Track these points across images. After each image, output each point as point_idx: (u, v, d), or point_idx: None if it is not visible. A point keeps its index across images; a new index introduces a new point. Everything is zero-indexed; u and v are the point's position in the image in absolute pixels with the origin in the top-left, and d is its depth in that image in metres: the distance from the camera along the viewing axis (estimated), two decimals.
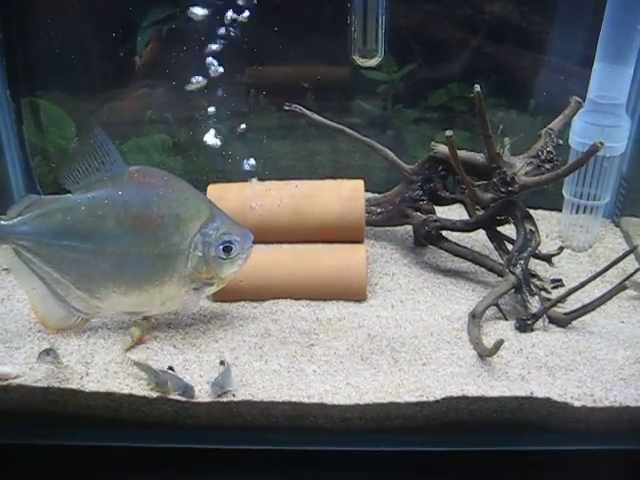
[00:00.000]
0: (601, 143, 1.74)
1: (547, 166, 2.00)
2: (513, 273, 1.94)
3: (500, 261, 2.04)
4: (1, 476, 1.69)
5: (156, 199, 1.73)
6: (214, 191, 2.08)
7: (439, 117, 2.55)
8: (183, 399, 1.61)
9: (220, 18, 2.23)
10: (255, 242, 1.83)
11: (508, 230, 2.08)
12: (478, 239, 2.24)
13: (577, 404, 1.60)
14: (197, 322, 1.91)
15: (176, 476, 1.71)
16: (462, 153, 2.01)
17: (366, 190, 2.10)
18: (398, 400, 1.60)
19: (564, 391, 1.62)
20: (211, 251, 1.77)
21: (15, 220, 1.74)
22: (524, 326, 1.87)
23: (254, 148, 2.51)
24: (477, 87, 1.82)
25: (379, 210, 2.26)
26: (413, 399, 1.60)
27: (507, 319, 1.93)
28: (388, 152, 2.24)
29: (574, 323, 1.89)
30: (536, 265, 2.10)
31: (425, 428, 1.63)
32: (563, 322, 1.89)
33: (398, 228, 2.33)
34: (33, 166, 2.49)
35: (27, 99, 2.48)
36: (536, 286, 1.98)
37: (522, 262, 1.95)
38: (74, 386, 1.63)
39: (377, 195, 2.32)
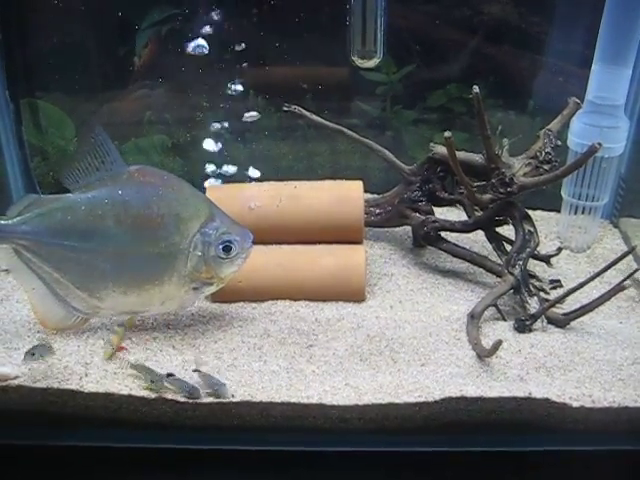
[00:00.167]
0: (599, 144, 1.74)
1: (546, 167, 2.00)
2: (512, 274, 1.95)
3: (499, 262, 2.05)
4: (1, 476, 1.69)
5: (156, 198, 1.73)
6: (213, 192, 2.08)
7: (438, 118, 2.55)
8: (182, 399, 1.61)
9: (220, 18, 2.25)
10: (254, 243, 1.83)
11: (507, 231, 2.09)
12: (477, 240, 2.24)
13: (575, 404, 1.60)
14: (196, 323, 1.91)
15: (175, 477, 1.71)
16: (461, 154, 2.01)
17: (365, 191, 2.10)
18: (397, 401, 1.61)
19: (563, 392, 1.62)
20: (211, 251, 1.77)
21: (15, 220, 1.73)
22: (523, 327, 1.87)
23: (253, 149, 2.51)
24: (476, 88, 1.83)
25: (378, 211, 2.27)
26: (412, 400, 1.61)
27: (506, 320, 1.93)
28: (387, 153, 2.24)
29: (573, 324, 1.89)
30: (535, 266, 2.11)
31: (424, 428, 1.64)
32: (562, 323, 1.89)
33: (397, 229, 2.34)
34: (32, 167, 2.50)
35: (26, 100, 2.48)
36: (535, 287, 1.99)
37: (521, 263, 1.96)
38: (73, 387, 1.63)
39: (376, 196, 2.32)
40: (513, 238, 2.03)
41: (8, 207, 1.76)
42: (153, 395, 1.61)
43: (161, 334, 1.86)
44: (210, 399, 1.61)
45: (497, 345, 1.68)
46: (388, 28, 2.04)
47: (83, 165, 1.73)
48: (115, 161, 1.73)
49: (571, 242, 2.30)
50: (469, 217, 2.17)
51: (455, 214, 2.29)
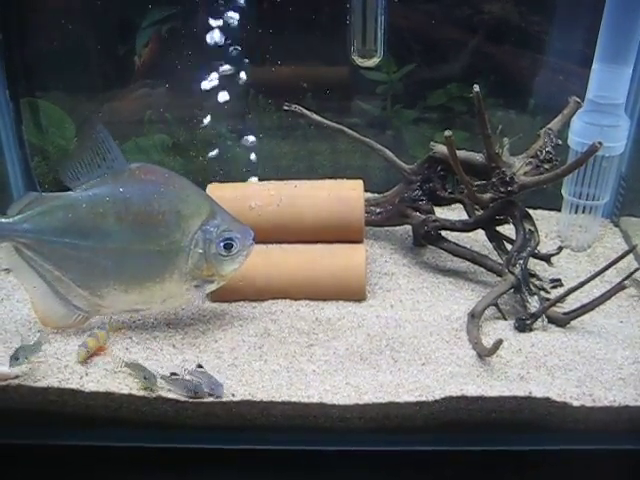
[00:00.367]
0: (600, 143, 1.74)
1: (546, 166, 2.00)
2: (512, 273, 1.94)
3: (499, 261, 2.05)
4: (1, 476, 1.69)
5: (157, 196, 1.73)
6: (213, 190, 2.08)
7: (438, 117, 2.55)
8: (182, 399, 1.61)
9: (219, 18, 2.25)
10: (255, 240, 1.83)
11: (507, 230, 2.09)
12: (477, 239, 2.24)
13: (576, 404, 1.60)
14: (196, 322, 1.91)
15: (176, 476, 1.71)
16: (461, 153, 2.01)
17: (365, 190, 2.10)
18: (397, 400, 1.60)
19: (563, 391, 1.62)
20: (212, 248, 1.76)
21: (16, 218, 1.73)
22: (523, 326, 1.87)
23: (253, 148, 2.51)
24: (476, 87, 1.82)
25: (378, 210, 2.27)
26: (412, 399, 1.60)
27: (506, 319, 1.93)
28: (387, 152, 2.24)
29: (573, 323, 1.89)
30: (535, 265, 2.11)
31: (424, 428, 1.63)
32: (562, 322, 1.89)
33: (397, 228, 2.34)
34: (32, 166, 2.50)
35: (26, 99, 2.48)
36: (535, 286, 1.99)
37: (521, 262, 1.95)
38: (73, 386, 1.63)
39: (376, 195, 2.32)
40: (514, 237, 2.03)
41: (9, 207, 1.76)
42: (154, 394, 1.61)
43: (161, 333, 1.86)
44: (211, 399, 1.61)
45: (497, 344, 1.68)
46: (388, 27, 2.04)
47: (84, 163, 1.73)
48: (116, 158, 1.73)
49: (572, 241, 2.30)
50: (469, 216, 2.17)
51: (455, 213, 2.29)
